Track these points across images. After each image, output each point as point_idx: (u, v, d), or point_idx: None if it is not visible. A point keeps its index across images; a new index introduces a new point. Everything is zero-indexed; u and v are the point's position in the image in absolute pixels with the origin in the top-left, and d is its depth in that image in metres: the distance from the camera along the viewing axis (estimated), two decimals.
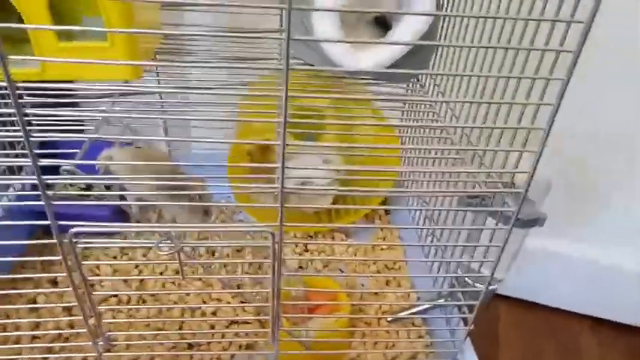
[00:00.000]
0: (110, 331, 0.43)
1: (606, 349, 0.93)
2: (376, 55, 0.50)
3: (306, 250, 0.72)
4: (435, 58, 0.57)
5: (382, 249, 0.73)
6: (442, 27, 0.55)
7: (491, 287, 0.47)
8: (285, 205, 0.35)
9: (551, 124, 0.32)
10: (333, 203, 0.73)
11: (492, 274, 0.42)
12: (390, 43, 0.48)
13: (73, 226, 0.34)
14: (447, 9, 0.53)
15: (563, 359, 0.91)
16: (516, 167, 0.37)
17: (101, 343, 0.43)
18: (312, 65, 0.53)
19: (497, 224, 0.41)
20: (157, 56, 0.61)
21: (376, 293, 0.64)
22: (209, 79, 0.63)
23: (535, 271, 0.95)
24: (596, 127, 0.80)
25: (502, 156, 0.40)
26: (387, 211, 0.79)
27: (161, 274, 0.60)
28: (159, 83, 0.65)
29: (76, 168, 0.38)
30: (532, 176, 0.35)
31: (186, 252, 0.42)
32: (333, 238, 0.74)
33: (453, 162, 0.43)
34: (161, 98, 0.70)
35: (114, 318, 0.54)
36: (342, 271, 0.68)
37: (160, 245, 0.35)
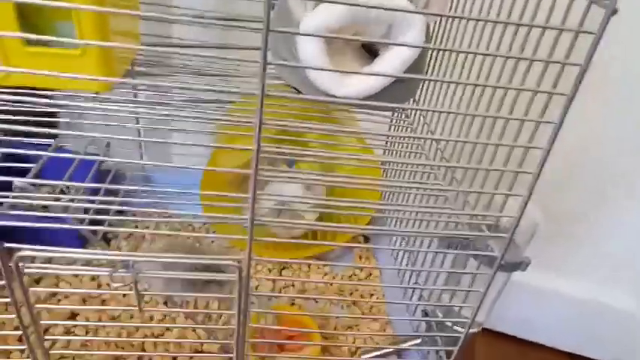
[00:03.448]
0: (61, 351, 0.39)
1: None
2: (362, 82, 0.48)
3: (280, 278, 0.69)
4: (422, 87, 0.56)
5: (359, 278, 0.70)
6: (431, 54, 0.54)
7: (470, 331, 0.45)
8: (256, 239, 0.32)
9: (542, 167, 0.31)
10: (311, 231, 0.70)
11: (473, 318, 0.40)
12: (370, 74, 0.46)
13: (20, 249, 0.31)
14: (437, 39, 0.52)
15: None
16: (502, 210, 0.35)
17: None
18: (294, 88, 0.51)
19: (479, 267, 0.39)
20: (135, 67, 0.58)
21: (349, 327, 0.61)
22: (189, 94, 0.61)
23: (514, 304, 0.94)
24: (576, 166, 0.80)
25: (487, 195, 0.38)
26: (366, 238, 0.77)
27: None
28: (135, 97, 0.62)
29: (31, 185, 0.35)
30: (519, 221, 0.33)
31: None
32: (309, 265, 0.72)
33: (436, 198, 0.41)
34: (137, 118, 0.67)
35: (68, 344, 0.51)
36: (317, 301, 0.66)
37: (115, 274, 0.32)
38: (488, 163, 0.36)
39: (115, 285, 0.31)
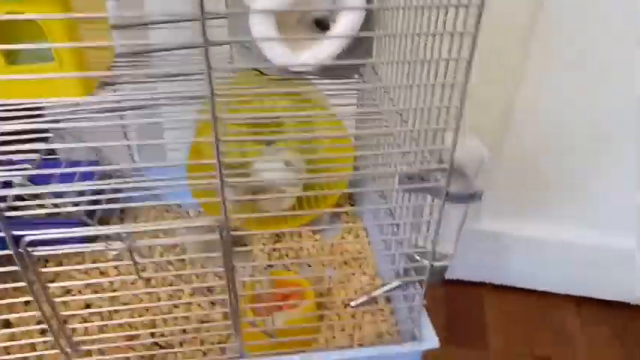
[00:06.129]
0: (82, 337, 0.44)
1: (591, 327, 0.96)
2: (316, 53, 0.52)
3: (275, 250, 0.74)
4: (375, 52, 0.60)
5: (349, 242, 0.76)
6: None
7: (439, 263, 0.50)
8: (228, 199, 0.37)
9: (462, 104, 0.35)
10: (298, 202, 0.76)
11: (434, 247, 0.45)
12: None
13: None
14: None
15: (550, 340, 0.94)
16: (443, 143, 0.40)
17: (70, 351, 0.44)
18: (259, 71, 0.55)
19: (433, 201, 0.43)
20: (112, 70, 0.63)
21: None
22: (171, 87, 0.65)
23: (516, 256, 0.99)
24: (569, 115, 0.83)
25: (437, 138, 0.42)
26: (352, 205, 0.82)
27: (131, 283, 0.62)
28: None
29: (29, 182, 0.40)
30: (452, 153, 0.37)
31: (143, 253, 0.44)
32: (300, 235, 0.77)
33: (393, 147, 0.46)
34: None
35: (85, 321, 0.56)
36: (310, 266, 0.71)
37: (110, 246, 0.37)
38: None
39: (113, 253, 0.36)
